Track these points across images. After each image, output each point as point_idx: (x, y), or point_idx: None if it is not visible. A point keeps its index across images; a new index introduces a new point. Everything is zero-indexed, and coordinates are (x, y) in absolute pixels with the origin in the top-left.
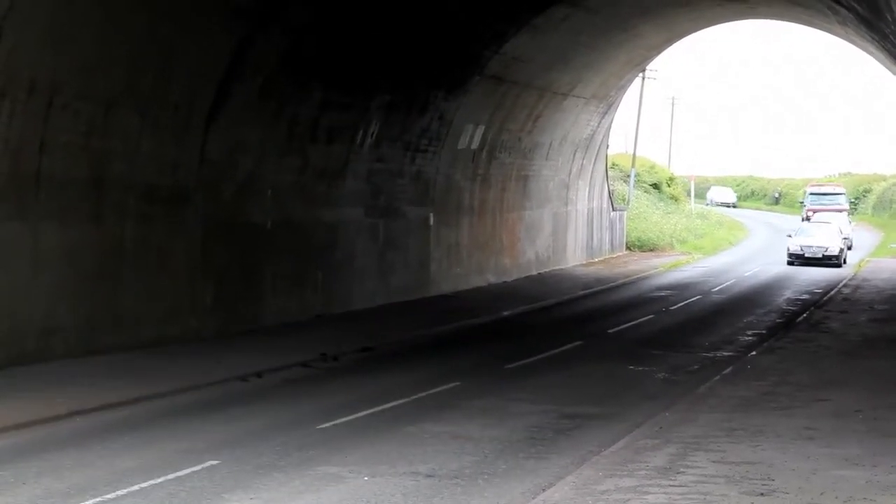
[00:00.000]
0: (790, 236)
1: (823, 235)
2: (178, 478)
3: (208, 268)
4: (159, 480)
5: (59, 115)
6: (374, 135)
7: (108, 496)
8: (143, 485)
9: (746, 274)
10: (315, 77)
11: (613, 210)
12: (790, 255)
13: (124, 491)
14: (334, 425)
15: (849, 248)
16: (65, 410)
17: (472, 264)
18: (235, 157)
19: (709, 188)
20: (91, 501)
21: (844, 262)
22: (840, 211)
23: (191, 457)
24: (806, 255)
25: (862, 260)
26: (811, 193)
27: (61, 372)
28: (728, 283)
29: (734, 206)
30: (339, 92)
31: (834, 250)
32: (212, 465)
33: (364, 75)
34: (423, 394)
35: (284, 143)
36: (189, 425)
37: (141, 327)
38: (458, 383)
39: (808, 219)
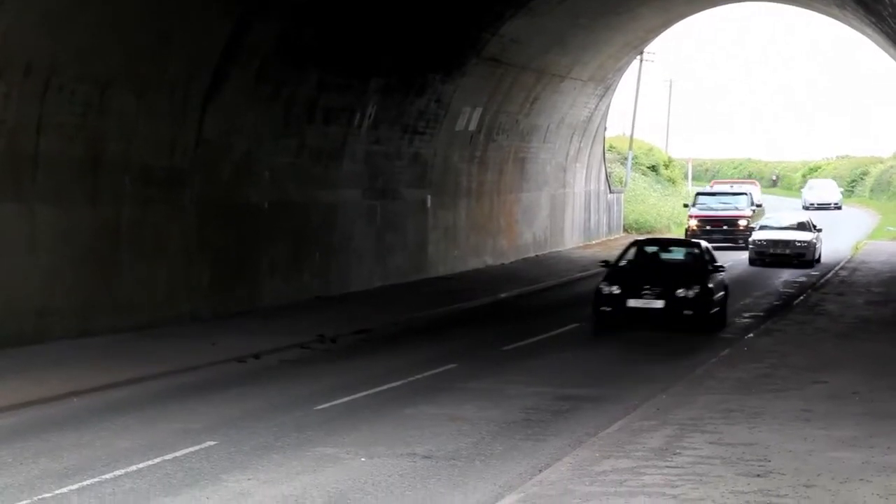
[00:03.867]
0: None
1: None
2: (175, 458)
3: (204, 249)
4: (157, 461)
5: (55, 97)
6: (372, 117)
7: (106, 476)
8: (141, 465)
9: (743, 256)
10: (312, 59)
11: (611, 192)
12: None
13: (122, 471)
14: (332, 406)
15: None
16: (62, 391)
17: (469, 246)
18: (232, 139)
19: (805, 183)
20: (89, 482)
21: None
22: (737, 218)
23: (188, 437)
24: None
25: (859, 242)
26: (698, 194)
27: (58, 353)
28: (725, 265)
29: (837, 208)
30: (337, 74)
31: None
32: (209, 446)
33: (361, 58)
34: (421, 375)
35: (281, 125)
36: (186, 406)
37: (137, 309)
38: (454, 365)
39: (692, 235)
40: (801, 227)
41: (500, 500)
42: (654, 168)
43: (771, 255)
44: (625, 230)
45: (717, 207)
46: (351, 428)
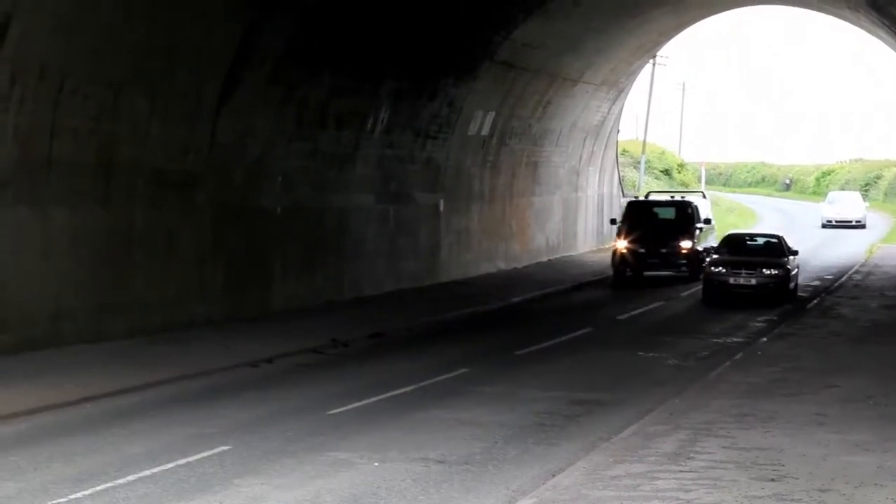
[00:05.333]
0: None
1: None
2: (188, 463)
3: (218, 253)
4: (170, 466)
5: (69, 100)
6: (385, 121)
7: (120, 481)
8: (154, 470)
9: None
10: (324, 63)
11: (624, 196)
12: None
13: (135, 476)
14: (345, 411)
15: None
16: (76, 396)
17: (482, 250)
18: (245, 142)
19: (825, 196)
20: (102, 487)
21: None
22: (679, 238)
23: (201, 442)
24: None
25: (873, 245)
26: (630, 204)
27: (71, 357)
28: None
29: (860, 226)
30: (349, 78)
31: None
32: (222, 451)
33: (373, 61)
34: (433, 380)
35: (294, 129)
36: (199, 411)
37: (150, 312)
38: (467, 369)
39: (621, 261)
40: (770, 248)
41: None
42: (667, 172)
43: (733, 289)
44: None
45: (653, 225)
46: (363, 432)
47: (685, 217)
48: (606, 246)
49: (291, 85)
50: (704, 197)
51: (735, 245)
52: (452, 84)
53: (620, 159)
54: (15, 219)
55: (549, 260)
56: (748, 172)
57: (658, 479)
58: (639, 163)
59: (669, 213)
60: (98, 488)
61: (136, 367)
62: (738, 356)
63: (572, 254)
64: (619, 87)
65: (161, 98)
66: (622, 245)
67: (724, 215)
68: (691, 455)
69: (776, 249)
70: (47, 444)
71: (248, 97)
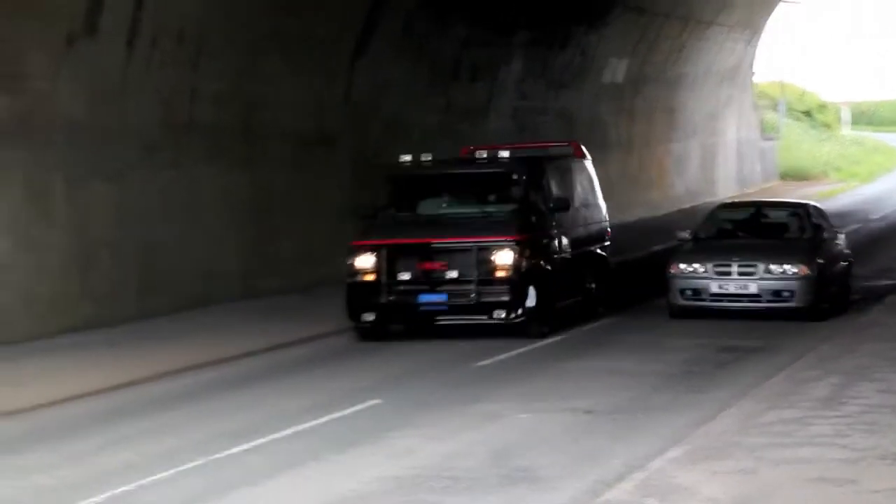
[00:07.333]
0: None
1: None
2: (342, 417)
3: (357, 209)
4: (324, 420)
5: (207, 63)
6: (517, 71)
7: (275, 436)
8: (309, 424)
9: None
10: (455, 15)
11: (763, 139)
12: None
13: (291, 430)
14: (491, 363)
15: None
16: (236, 352)
17: (620, 199)
18: (380, 98)
19: None
20: (260, 441)
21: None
22: (494, 245)
23: (353, 396)
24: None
25: None
26: (390, 180)
27: (225, 315)
28: (887, 211)
29: None
30: (480, 29)
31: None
32: (374, 405)
33: (505, 11)
34: (580, 329)
35: (427, 83)
36: (349, 366)
37: (297, 270)
38: (613, 319)
39: (366, 297)
40: (788, 230)
41: (665, 452)
42: (808, 113)
43: (718, 301)
44: (780, 178)
45: (441, 217)
46: (510, 383)
47: (512, 194)
48: (748, 190)
49: (424, 38)
50: (585, 156)
51: (729, 225)
52: (584, 32)
53: (758, 101)
54: (162, 182)
55: (691, 207)
56: (894, 111)
57: (812, 424)
58: (777, 105)
59: (478, 192)
60: (256, 443)
61: (288, 324)
62: (888, 298)
63: (713, 200)
64: (753, 28)
65: (296, 57)
66: (365, 263)
67: (869, 154)
68: (845, 400)
69: (799, 231)
70: (208, 400)
71: (382, 52)
